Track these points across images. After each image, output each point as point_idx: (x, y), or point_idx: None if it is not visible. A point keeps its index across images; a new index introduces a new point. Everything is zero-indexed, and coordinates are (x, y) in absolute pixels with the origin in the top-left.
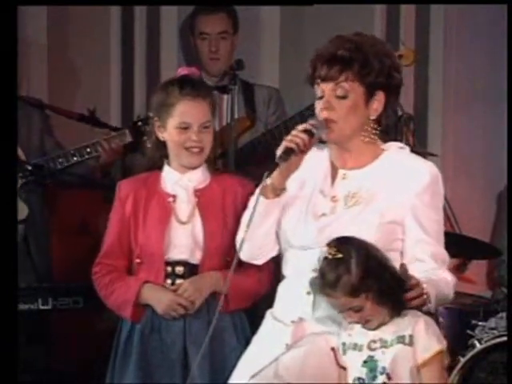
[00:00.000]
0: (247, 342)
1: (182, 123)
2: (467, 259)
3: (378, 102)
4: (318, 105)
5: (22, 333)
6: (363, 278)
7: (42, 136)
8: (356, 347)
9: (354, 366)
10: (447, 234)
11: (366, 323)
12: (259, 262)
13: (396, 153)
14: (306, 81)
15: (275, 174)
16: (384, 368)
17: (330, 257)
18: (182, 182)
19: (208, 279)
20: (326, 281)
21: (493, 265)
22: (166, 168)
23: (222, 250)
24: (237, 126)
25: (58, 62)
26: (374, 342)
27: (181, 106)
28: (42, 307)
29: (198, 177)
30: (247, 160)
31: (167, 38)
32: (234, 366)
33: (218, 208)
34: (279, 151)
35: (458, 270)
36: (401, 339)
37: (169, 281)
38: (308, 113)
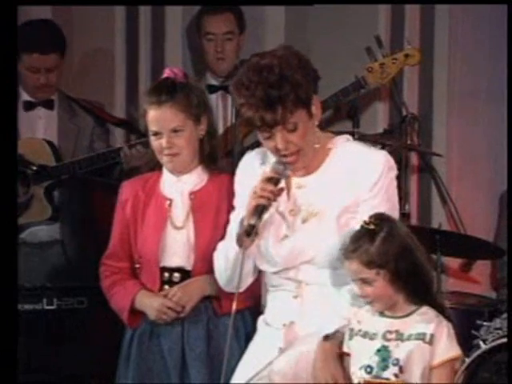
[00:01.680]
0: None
1: (151, 131)
2: (472, 259)
3: (316, 107)
4: (269, 144)
5: (27, 333)
6: (383, 253)
7: (92, 141)
8: (367, 335)
9: (364, 353)
10: (452, 234)
11: (370, 303)
12: (241, 290)
13: (342, 149)
14: (246, 125)
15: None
16: (398, 360)
17: (364, 225)
18: (177, 185)
19: (198, 283)
20: (350, 244)
21: (497, 265)
22: (164, 170)
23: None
24: (241, 127)
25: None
26: (390, 332)
27: (149, 114)
28: (46, 307)
29: (194, 179)
30: None
31: (172, 38)
32: (233, 369)
33: (212, 210)
34: (251, 210)
35: (462, 270)
36: (421, 336)
37: (166, 287)
38: None
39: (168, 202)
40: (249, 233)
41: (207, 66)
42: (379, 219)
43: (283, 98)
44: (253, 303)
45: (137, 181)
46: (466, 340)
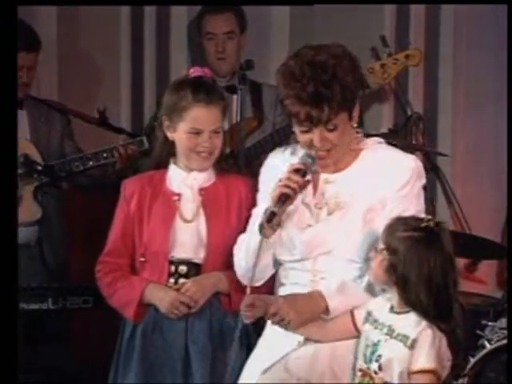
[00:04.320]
0: (248, 343)
1: (193, 129)
2: (477, 259)
3: (356, 109)
4: (305, 137)
5: (32, 332)
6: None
7: (63, 140)
8: (374, 323)
9: (366, 341)
10: (457, 234)
11: None
12: (258, 284)
13: (374, 150)
14: (287, 116)
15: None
16: (380, 357)
17: (425, 223)
18: (187, 180)
19: (211, 279)
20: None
21: (503, 265)
22: (172, 167)
23: (226, 249)
24: (244, 126)
25: (68, 62)
26: (385, 326)
27: (193, 112)
28: (52, 307)
29: (204, 176)
30: (254, 160)
31: (177, 37)
32: (235, 367)
33: (222, 207)
34: (275, 198)
35: (467, 270)
36: (404, 339)
37: (172, 280)
38: None
39: (176, 197)
40: (269, 219)
41: (208, 67)
42: (441, 228)
43: (332, 98)
44: None
45: (141, 177)
46: (471, 340)
